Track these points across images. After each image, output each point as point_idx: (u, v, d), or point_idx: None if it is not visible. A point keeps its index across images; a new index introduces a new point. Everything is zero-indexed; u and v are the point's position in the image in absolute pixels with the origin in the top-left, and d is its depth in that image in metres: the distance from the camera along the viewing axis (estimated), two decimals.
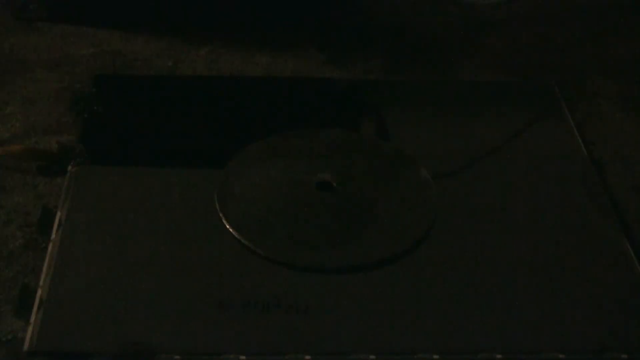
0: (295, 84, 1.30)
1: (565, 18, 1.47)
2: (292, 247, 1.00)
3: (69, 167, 1.10)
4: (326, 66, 1.34)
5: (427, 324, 0.92)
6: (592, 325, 0.93)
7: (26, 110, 1.22)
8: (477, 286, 0.97)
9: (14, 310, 0.93)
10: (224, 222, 1.02)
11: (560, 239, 1.03)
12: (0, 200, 1.07)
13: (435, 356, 0.89)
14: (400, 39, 1.42)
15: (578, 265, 1.00)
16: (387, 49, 1.39)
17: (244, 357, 0.88)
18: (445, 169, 1.12)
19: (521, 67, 1.36)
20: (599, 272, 0.99)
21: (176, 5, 1.42)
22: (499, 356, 0.89)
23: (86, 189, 1.07)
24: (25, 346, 0.88)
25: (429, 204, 1.06)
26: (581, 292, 0.96)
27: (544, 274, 0.98)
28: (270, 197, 1.06)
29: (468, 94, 1.28)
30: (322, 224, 1.03)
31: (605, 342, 0.91)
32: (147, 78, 1.30)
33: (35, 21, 1.40)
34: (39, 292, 0.93)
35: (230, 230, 1.01)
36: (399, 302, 0.94)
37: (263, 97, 1.25)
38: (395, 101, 1.25)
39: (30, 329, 0.90)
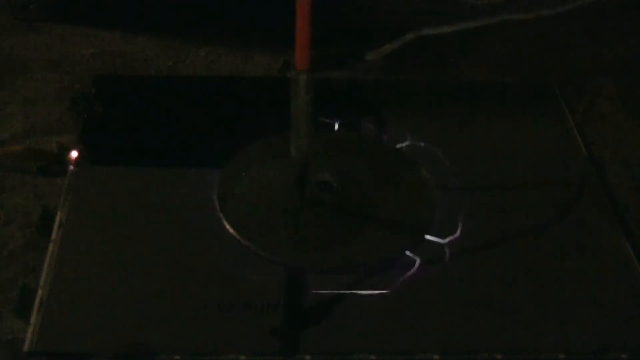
0: None
1: (565, 18, 1.47)
2: (292, 247, 1.00)
3: (69, 167, 1.10)
4: None
5: (427, 324, 0.92)
6: (592, 325, 0.93)
7: (26, 110, 1.21)
8: (477, 286, 0.97)
9: (14, 310, 0.93)
10: (224, 222, 1.02)
11: (561, 239, 1.03)
12: (0, 200, 1.07)
13: (435, 356, 0.89)
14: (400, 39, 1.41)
15: (578, 265, 1.00)
16: None
17: (244, 357, 0.88)
18: (446, 169, 1.12)
19: (521, 67, 1.36)
20: (599, 272, 0.99)
21: (176, 5, 1.42)
22: (499, 356, 0.89)
23: (86, 189, 1.07)
24: (25, 346, 0.88)
25: (429, 204, 1.06)
26: (581, 292, 0.96)
27: (544, 274, 0.98)
28: (270, 197, 1.06)
29: (468, 94, 1.28)
30: (322, 224, 1.03)
31: (605, 342, 0.91)
32: (147, 78, 1.30)
33: (35, 21, 1.40)
34: (39, 292, 0.93)
35: (230, 230, 1.01)
36: (399, 302, 0.94)
37: (263, 97, 1.25)
38: (395, 101, 1.25)
39: (30, 329, 0.90)
